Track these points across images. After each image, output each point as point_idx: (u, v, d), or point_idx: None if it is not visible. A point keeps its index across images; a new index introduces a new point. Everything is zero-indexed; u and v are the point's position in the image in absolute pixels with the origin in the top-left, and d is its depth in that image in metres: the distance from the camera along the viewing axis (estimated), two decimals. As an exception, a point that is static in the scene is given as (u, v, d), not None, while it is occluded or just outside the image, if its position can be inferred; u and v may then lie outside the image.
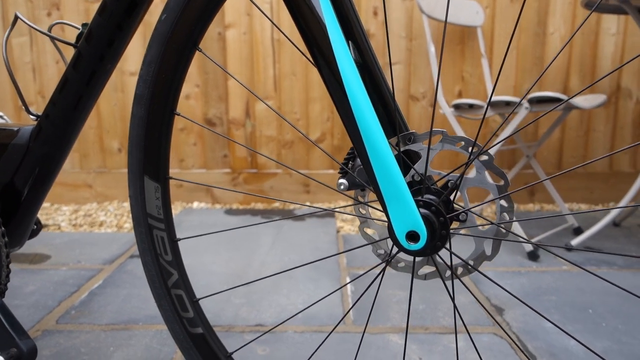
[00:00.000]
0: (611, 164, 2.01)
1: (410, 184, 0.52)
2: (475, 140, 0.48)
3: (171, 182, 2.05)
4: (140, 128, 0.57)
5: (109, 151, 2.05)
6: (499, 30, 1.92)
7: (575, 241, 1.45)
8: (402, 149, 0.51)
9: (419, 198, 0.47)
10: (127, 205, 2.03)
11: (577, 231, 1.62)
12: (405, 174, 0.52)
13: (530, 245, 1.41)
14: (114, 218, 1.85)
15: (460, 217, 0.49)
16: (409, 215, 0.43)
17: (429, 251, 0.45)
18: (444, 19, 1.67)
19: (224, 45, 1.97)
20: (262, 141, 2.04)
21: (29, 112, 0.62)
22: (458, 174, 0.49)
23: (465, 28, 1.91)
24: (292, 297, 1.14)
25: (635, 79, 1.94)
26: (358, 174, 0.54)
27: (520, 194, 2.03)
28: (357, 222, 1.80)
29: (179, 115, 0.57)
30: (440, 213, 0.45)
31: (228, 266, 1.34)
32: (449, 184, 0.50)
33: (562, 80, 1.95)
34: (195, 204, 2.05)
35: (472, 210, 0.49)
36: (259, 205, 2.05)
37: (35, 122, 0.62)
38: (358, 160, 0.54)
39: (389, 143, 0.52)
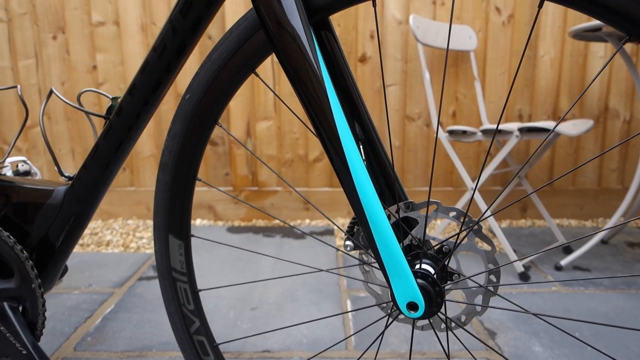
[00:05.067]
0: (600, 181, 2.09)
1: (408, 247, 0.58)
2: (467, 212, 0.54)
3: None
4: (165, 192, 0.63)
5: (113, 170, 2.10)
6: (492, 53, 1.99)
7: (564, 261, 1.52)
8: (401, 216, 0.58)
9: (417, 269, 0.53)
10: (131, 222, 2.09)
11: (567, 250, 1.70)
12: (404, 238, 0.58)
13: (521, 265, 1.48)
14: (120, 237, 1.90)
15: (453, 278, 0.56)
16: (408, 288, 0.50)
17: (427, 316, 0.51)
18: (436, 45, 1.74)
19: (226, 67, 2.02)
20: (263, 160, 2.10)
21: (62, 174, 0.68)
22: (451, 240, 0.56)
23: (459, 51, 1.98)
24: (296, 321, 1.20)
25: (622, 100, 2.01)
26: (362, 238, 0.60)
27: (512, 211, 2.10)
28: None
29: (199, 180, 0.63)
30: (437, 283, 0.52)
31: (233, 288, 1.41)
32: (443, 249, 0.56)
33: (552, 102, 2.02)
34: (198, 221, 2.11)
35: (462, 274, 0.55)
36: (260, 222, 2.11)
37: (68, 182, 0.68)
38: (362, 225, 0.60)
39: (389, 210, 0.59)
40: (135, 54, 2.01)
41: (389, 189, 0.60)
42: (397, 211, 0.58)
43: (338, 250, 1.74)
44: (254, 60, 0.57)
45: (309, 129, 0.67)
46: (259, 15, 0.51)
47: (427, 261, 0.56)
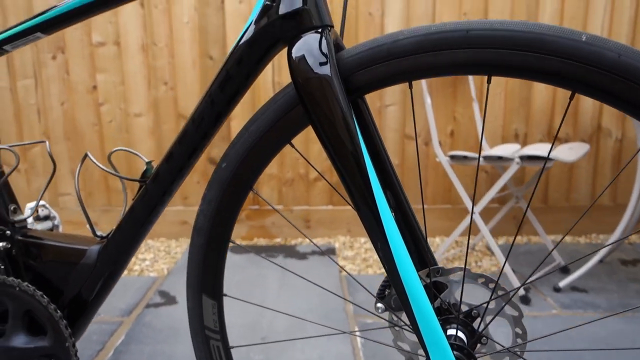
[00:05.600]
0: (593, 198, 2.14)
1: (438, 309, 0.61)
2: (497, 280, 0.57)
3: (174, 218, 2.11)
4: (200, 254, 0.65)
5: (115, 189, 2.10)
6: (489, 74, 2.03)
7: (562, 283, 1.57)
8: (431, 281, 0.60)
9: (452, 341, 0.56)
10: (132, 242, 2.09)
11: (564, 270, 1.74)
12: (434, 301, 0.61)
13: (522, 288, 1.52)
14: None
15: (482, 341, 0.58)
16: (442, 353, 0.52)
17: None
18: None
19: (227, 87, 2.04)
20: (264, 179, 2.11)
21: (95, 235, 0.69)
22: (481, 304, 0.58)
23: (457, 72, 2.01)
24: (307, 352, 1.23)
25: (614, 120, 2.07)
26: (394, 301, 0.63)
27: (508, 227, 2.14)
28: (357, 261, 1.90)
29: (233, 243, 0.65)
30: (471, 355, 0.55)
31: (242, 317, 1.42)
32: (472, 313, 0.59)
33: (547, 121, 2.07)
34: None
35: (500, 345, 0.58)
36: (262, 242, 2.13)
37: (101, 241, 0.69)
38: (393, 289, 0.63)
39: (419, 275, 0.61)
40: (136, 73, 2.01)
41: (418, 253, 0.62)
42: (428, 275, 0.60)
43: (342, 270, 1.76)
44: (290, 132, 0.59)
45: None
46: (298, 92, 0.53)
47: (457, 326, 0.58)
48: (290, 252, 1.99)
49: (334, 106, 0.52)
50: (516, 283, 1.53)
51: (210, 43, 2.00)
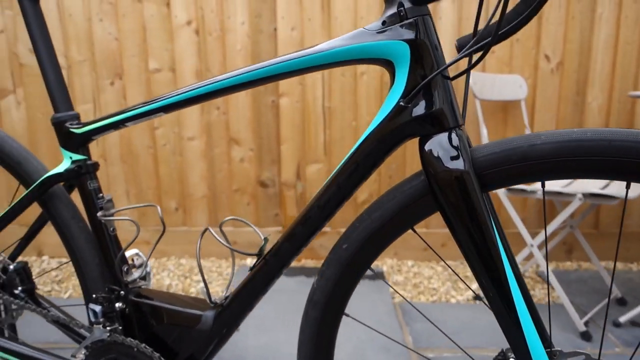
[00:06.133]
0: (645, 224, 2.11)
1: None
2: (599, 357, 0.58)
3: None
4: (314, 327, 0.68)
5: (166, 210, 2.16)
6: (541, 100, 2.02)
7: (623, 318, 1.55)
8: (547, 363, 0.62)
9: None
10: (184, 262, 2.14)
11: (621, 302, 1.73)
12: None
13: (582, 323, 1.51)
14: (178, 280, 1.96)
15: None
16: None
17: None
18: (492, 98, 1.77)
19: (277, 112, 2.07)
20: (312, 201, 2.14)
21: (211, 301, 0.72)
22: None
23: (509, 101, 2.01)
24: (374, 389, 1.25)
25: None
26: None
27: (558, 253, 2.13)
28: (409, 287, 1.91)
29: (347, 315, 0.67)
30: None
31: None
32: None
33: (600, 146, 2.04)
34: (249, 261, 2.16)
35: None
36: (310, 263, 2.16)
37: (215, 307, 0.73)
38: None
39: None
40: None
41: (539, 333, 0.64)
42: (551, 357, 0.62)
43: (397, 294, 1.77)
44: (414, 219, 0.61)
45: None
46: (430, 183, 0.55)
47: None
48: (340, 275, 2.01)
49: (469, 200, 0.54)
50: (575, 316, 1.52)
51: (263, 69, 2.03)
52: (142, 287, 0.81)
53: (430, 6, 2.01)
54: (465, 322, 1.60)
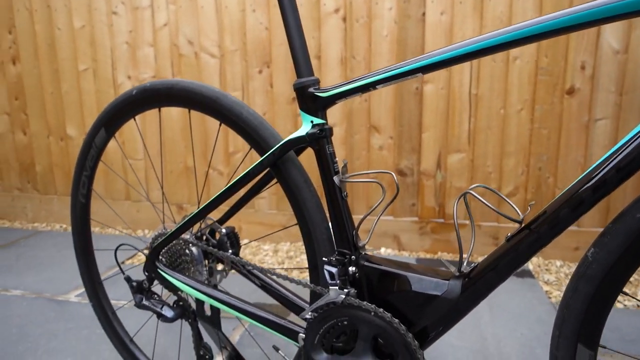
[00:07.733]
0: None
1: None
2: None
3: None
4: (584, 304, 0.63)
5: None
6: None
7: None
8: None
9: None
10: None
11: None
12: None
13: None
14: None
15: None
16: None
17: None
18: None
19: (421, 99, 2.03)
20: (452, 192, 2.07)
21: (460, 270, 0.70)
22: None
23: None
24: (558, 389, 1.16)
25: None
26: None
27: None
28: (563, 288, 1.77)
29: (625, 294, 0.61)
30: None
31: (467, 340, 1.40)
32: None
33: None
34: (382, 250, 2.14)
35: None
36: (445, 256, 2.09)
37: (461, 277, 0.70)
38: None
39: None
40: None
41: None
42: None
43: (552, 293, 1.65)
44: None
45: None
46: None
47: None
48: (483, 270, 1.92)
49: None
50: None
51: (409, 55, 2.00)
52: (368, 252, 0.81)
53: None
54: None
